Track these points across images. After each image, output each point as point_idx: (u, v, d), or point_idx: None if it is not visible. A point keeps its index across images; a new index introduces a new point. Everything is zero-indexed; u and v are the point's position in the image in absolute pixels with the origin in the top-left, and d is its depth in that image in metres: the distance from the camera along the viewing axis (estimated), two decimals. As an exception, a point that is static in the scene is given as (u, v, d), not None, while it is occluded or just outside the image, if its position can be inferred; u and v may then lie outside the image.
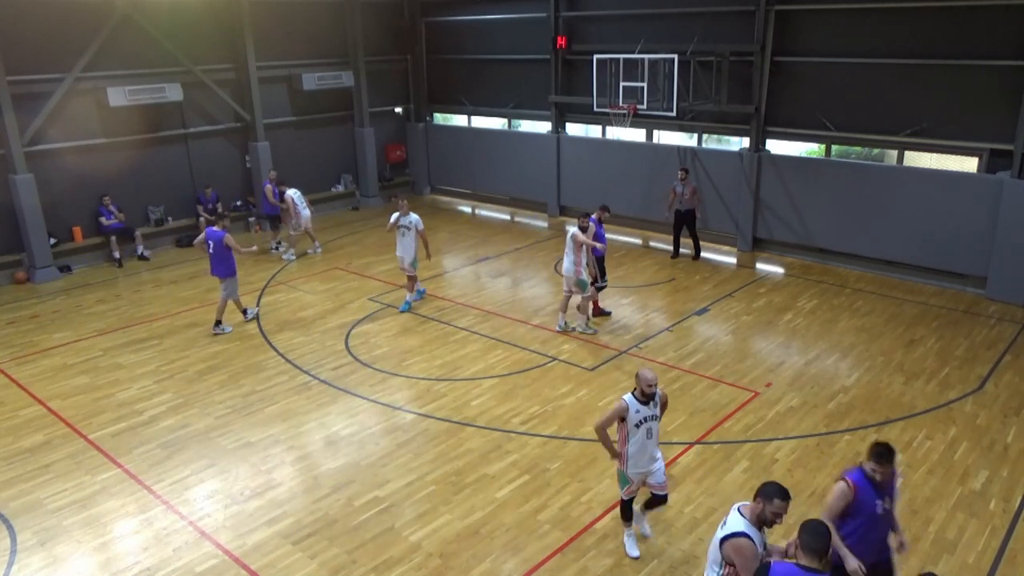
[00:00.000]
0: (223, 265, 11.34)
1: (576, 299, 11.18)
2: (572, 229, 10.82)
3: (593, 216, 11.06)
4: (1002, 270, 12.14)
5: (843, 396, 9.25)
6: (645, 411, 6.09)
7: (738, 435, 8.41)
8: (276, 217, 15.76)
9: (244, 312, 11.94)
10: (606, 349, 10.70)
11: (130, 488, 7.66)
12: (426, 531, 6.90)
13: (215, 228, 11.32)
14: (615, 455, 6.28)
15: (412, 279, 12.18)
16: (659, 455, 6.40)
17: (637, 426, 6.09)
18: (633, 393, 6.10)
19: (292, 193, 15.05)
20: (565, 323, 11.33)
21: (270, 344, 11.11)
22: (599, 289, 11.52)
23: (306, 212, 15.14)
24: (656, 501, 6.54)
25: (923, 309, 12.00)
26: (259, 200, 15.76)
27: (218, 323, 11.53)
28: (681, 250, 14.89)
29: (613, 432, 6.27)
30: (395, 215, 11.98)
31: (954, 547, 6.55)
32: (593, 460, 7.95)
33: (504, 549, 6.64)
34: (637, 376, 6.10)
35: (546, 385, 9.67)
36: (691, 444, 8.23)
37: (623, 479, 6.40)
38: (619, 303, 12.40)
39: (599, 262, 11.33)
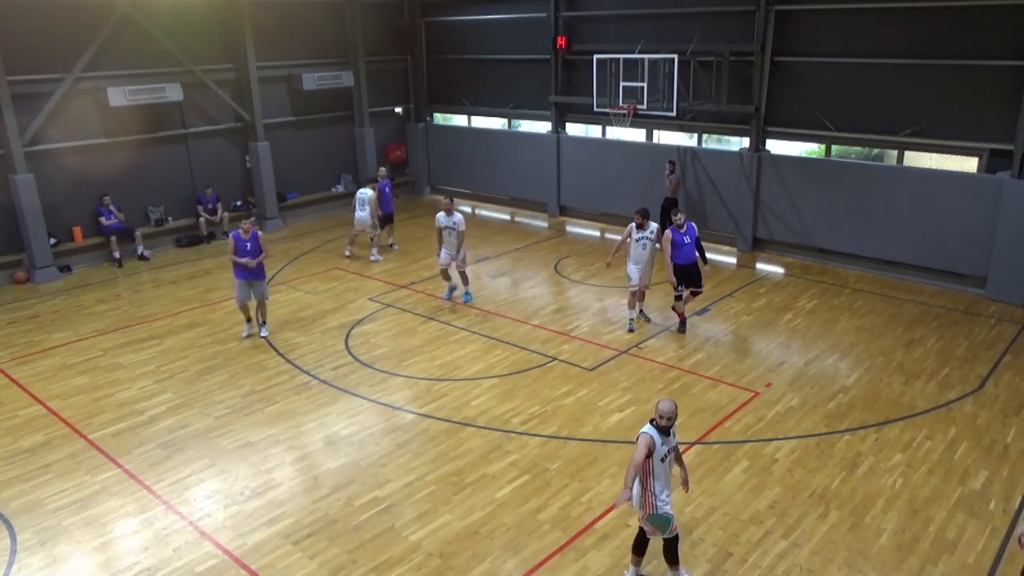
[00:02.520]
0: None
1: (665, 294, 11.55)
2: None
3: (672, 226, 10.82)
4: (1002, 270, 12.14)
5: (843, 396, 9.25)
6: (668, 443, 5.69)
7: (738, 435, 8.42)
8: (389, 215, 15.58)
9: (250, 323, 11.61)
10: (606, 349, 10.70)
11: (130, 488, 7.66)
12: (426, 531, 6.90)
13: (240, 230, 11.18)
14: (628, 486, 5.43)
15: (463, 274, 12.46)
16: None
17: (662, 460, 5.67)
18: (652, 423, 5.64)
19: (359, 192, 14.94)
20: (640, 315, 11.54)
21: (270, 344, 11.11)
22: (676, 298, 11.01)
23: (357, 214, 14.79)
24: (668, 546, 5.98)
25: (923, 309, 12.00)
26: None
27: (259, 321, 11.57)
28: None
29: None
30: (441, 215, 12.15)
31: (954, 547, 6.55)
32: (593, 460, 7.96)
33: (504, 549, 6.64)
34: (656, 406, 5.66)
35: (546, 385, 9.67)
36: (691, 444, 8.22)
37: (665, 520, 5.75)
38: (619, 303, 12.39)
39: (677, 268, 10.71)
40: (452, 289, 12.69)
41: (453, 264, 12.39)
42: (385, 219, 15.51)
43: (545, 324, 11.64)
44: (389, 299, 12.80)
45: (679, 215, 10.85)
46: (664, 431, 5.63)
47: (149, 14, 15.16)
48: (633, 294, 11.23)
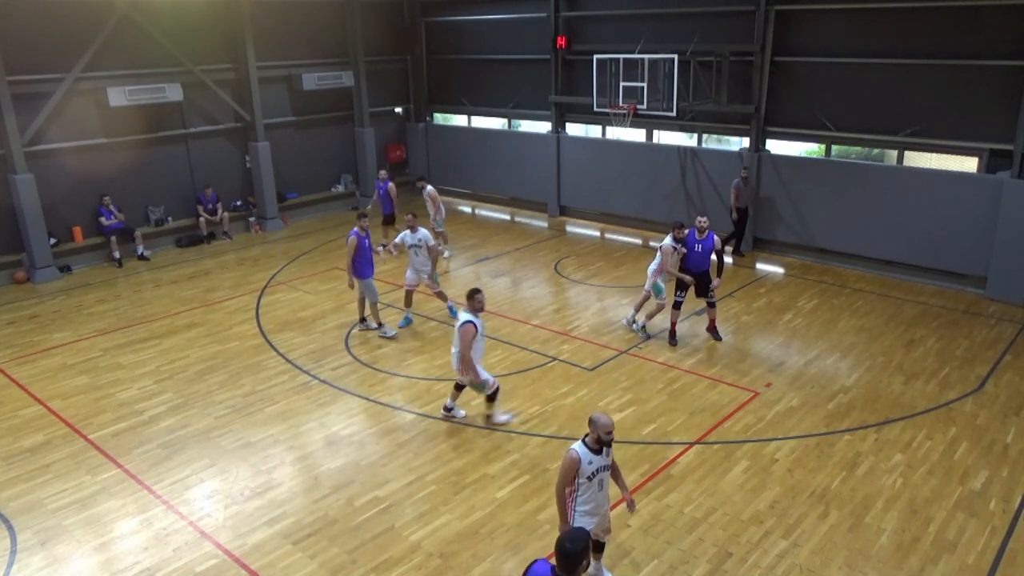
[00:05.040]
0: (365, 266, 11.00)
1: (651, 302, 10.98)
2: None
3: (692, 228, 10.55)
4: (1002, 270, 12.14)
5: (843, 396, 9.25)
6: (598, 461, 5.40)
7: (738, 435, 8.42)
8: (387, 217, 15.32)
9: (379, 326, 11.41)
10: (606, 349, 10.70)
11: (130, 488, 7.66)
12: (426, 531, 6.90)
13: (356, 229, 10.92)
14: (565, 520, 5.54)
15: (440, 294, 11.65)
16: (607, 504, 5.76)
17: (590, 478, 5.41)
18: (584, 441, 5.41)
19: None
20: (631, 320, 11.29)
21: (270, 344, 11.11)
22: (676, 304, 10.69)
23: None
24: (597, 547, 6.00)
25: (923, 309, 12.00)
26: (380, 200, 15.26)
27: (377, 323, 11.35)
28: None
29: None
30: (404, 234, 11.24)
31: (954, 547, 6.56)
32: (593, 460, 7.96)
33: (504, 549, 6.64)
34: (592, 422, 5.38)
35: (546, 385, 9.67)
36: (691, 444, 8.23)
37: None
38: (619, 303, 12.41)
39: (684, 272, 10.58)
40: (409, 319, 11.70)
41: (421, 285, 11.61)
42: (385, 219, 15.38)
43: (545, 324, 11.64)
44: (389, 299, 12.79)
45: (702, 220, 10.50)
46: (596, 450, 5.40)
47: (149, 14, 15.16)
48: (661, 307, 10.84)
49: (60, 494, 7.57)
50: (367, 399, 9.41)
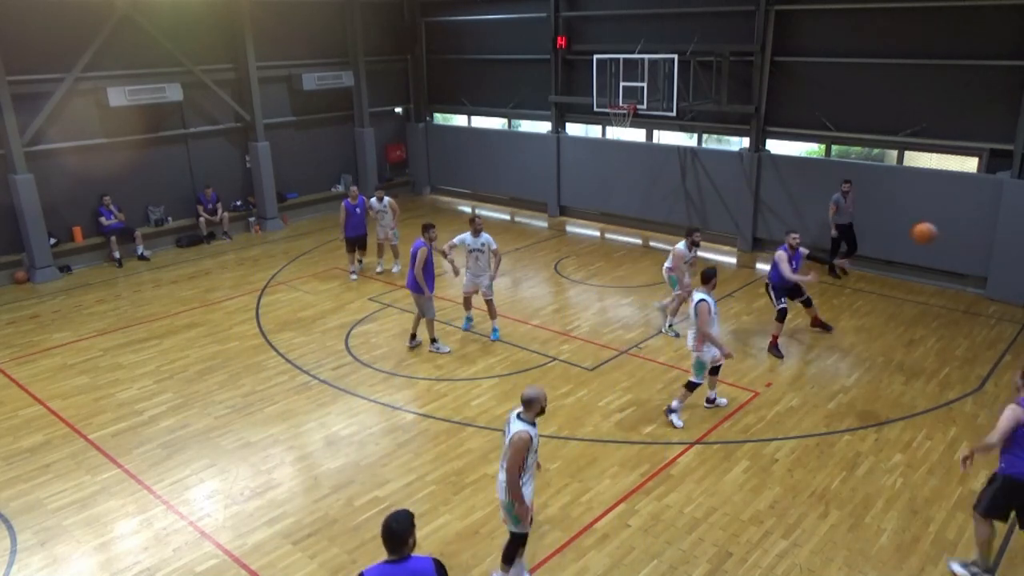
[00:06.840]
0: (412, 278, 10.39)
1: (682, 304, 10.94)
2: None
3: (784, 245, 10.42)
4: (1002, 270, 12.14)
5: (843, 396, 9.25)
6: (536, 433, 5.59)
7: (738, 435, 8.41)
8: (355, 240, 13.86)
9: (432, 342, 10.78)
10: (606, 349, 10.70)
11: (130, 488, 7.66)
12: (426, 531, 6.89)
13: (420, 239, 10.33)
14: (522, 502, 5.57)
15: (491, 303, 11.01)
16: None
17: (535, 452, 5.62)
18: (521, 418, 5.51)
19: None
20: (668, 325, 11.17)
21: (270, 344, 11.11)
22: (781, 312, 10.37)
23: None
24: (519, 540, 5.95)
25: (923, 309, 12.00)
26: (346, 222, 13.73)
27: (431, 339, 10.72)
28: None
29: None
30: (464, 236, 10.70)
31: (954, 547, 6.55)
32: (593, 460, 7.96)
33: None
34: (532, 399, 5.49)
35: (546, 385, 9.62)
36: (691, 444, 8.23)
37: (515, 519, 5.74)
38: (619, 303, 12.41)
39: (781, 288, 10.45)
40: (470, 319, 11.46)
41: (479, 292, 11.05)
42: (355, 242, 13.86)
43: (545, 324, 11.64)
44: (389, 299, 12.79)
45: (795, 236, 10.41)
46: (533, 423, 5.57)
47: (149, 14, 15.15)
48: (681, 299, 10.84)
49: (60, 494, 7.57)
50: (367, 399, 9.41)
